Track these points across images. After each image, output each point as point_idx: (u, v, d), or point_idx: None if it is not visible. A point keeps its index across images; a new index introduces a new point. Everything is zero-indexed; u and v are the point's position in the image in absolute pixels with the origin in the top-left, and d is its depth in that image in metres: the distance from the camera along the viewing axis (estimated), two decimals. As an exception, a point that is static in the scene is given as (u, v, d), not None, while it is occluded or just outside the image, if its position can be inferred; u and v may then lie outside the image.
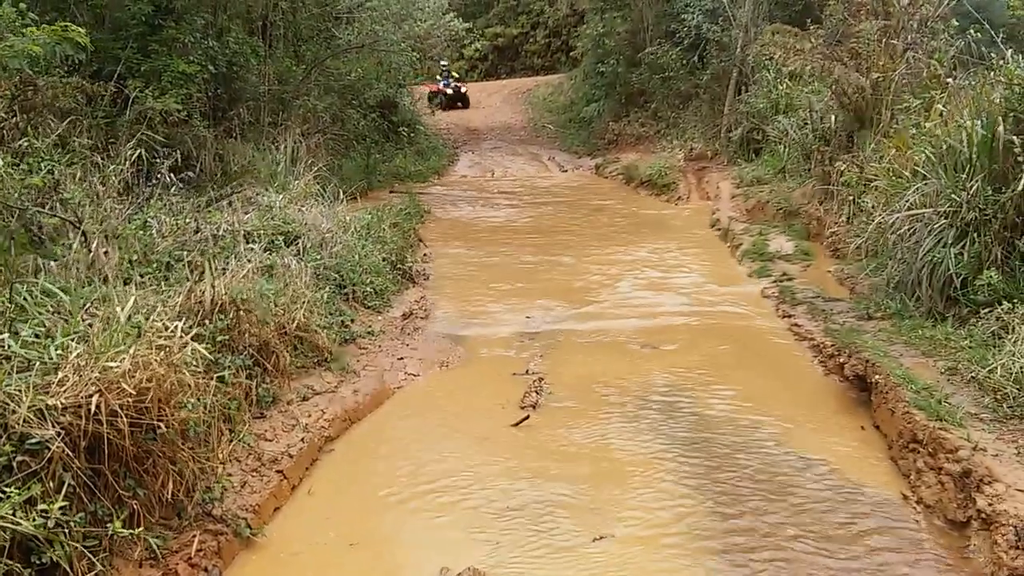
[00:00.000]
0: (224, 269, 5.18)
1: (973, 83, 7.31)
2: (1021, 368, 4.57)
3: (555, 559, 3.78)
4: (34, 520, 2.97)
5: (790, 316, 7.07)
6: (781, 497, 4.27)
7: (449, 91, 25.30)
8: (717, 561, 3.76)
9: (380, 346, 6.27)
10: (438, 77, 25.16)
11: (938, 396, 4.65)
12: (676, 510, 4.15)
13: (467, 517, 4.13)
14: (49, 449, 3.20)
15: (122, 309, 3.87)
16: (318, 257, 6.66)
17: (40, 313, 4.13)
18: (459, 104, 25.83)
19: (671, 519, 4.08)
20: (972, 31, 9.14)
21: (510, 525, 4.04)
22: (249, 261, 5.57)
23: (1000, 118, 5.92)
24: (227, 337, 4.56)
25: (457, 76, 26.48)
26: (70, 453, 3.24)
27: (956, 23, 9.53)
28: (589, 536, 3.91)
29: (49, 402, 3.32)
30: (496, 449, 4.81)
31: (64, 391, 3.39)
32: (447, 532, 4.01)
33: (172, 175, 7.10)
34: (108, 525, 3.22)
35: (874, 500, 4.21)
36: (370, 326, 6.54)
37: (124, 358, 3.53)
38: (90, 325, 3.90)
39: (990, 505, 3.72)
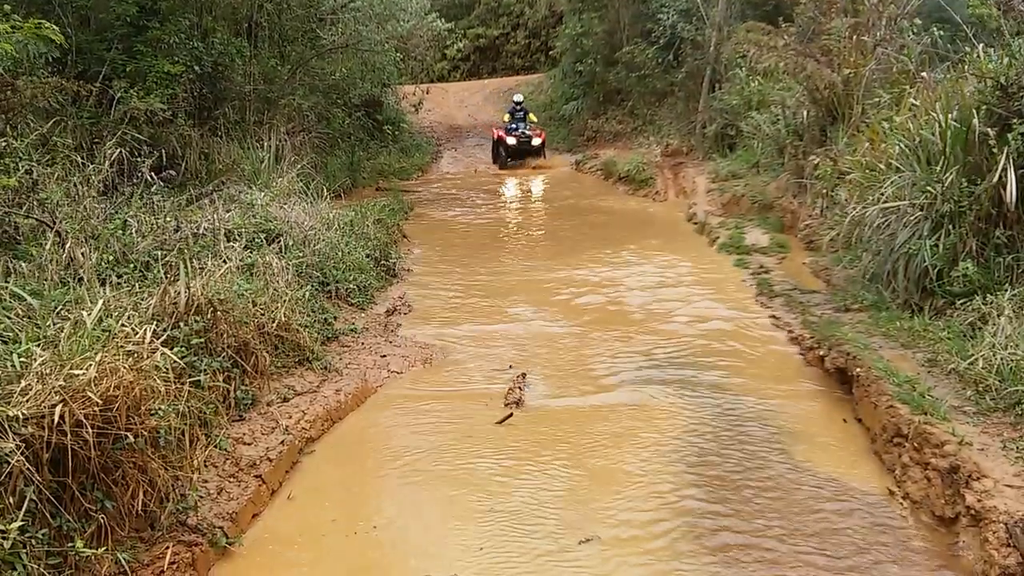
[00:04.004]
0: (202, 268, 4.85)
1: (943, 78, 7.12)
2: (1002, 360, 4.35)
3: (540, 563, 3.50)
4: (-9, 541, 2.67)
5: (768, 307, 6.85)
6: (767, 493, 4.02)
7: (511, 140, 16.88)
8: (705, 561, 3.51)
9: (363, 343, 5.96)
10: (506, 119, 17.67)
11: (921, 389, 4.42)
12: (662, 509, 3.89)
13: (451, 520, 3.85)
14: (9, 463, 2.89)
15: (89, 313, 3.54)
16: (300, 254, 6.34)
17: (8, 317, 3.81)
18: (528, 158, 17.10)
19: (657, 519, 3.82)
20: (935, 29, 8.99)
21: (494, 528, 3.76)
22: (227, 260, 5.24)
23: (974, 110, 5.70)
24: (203, 339, 4.24)
25: (535, 120, 17.96)
26: (31, 467, 2.93)
27: (919, 21, 9.37)
28: (575, 538, 3.65)
29: (10, 412, 3.00)
30: (480, 448, 4.53)
31: (26, 401, 3.08)
32: (430, 537, 3.73)
33: (153, 174, 6.74)
34: (72, 543, 2.92)
35: (860, 496, 3.98)
36: (353, 323, 6.22)
37: (90, 365, 3.22)
38: (61, 329, 3.59)
39: (979, 501, 3.48)
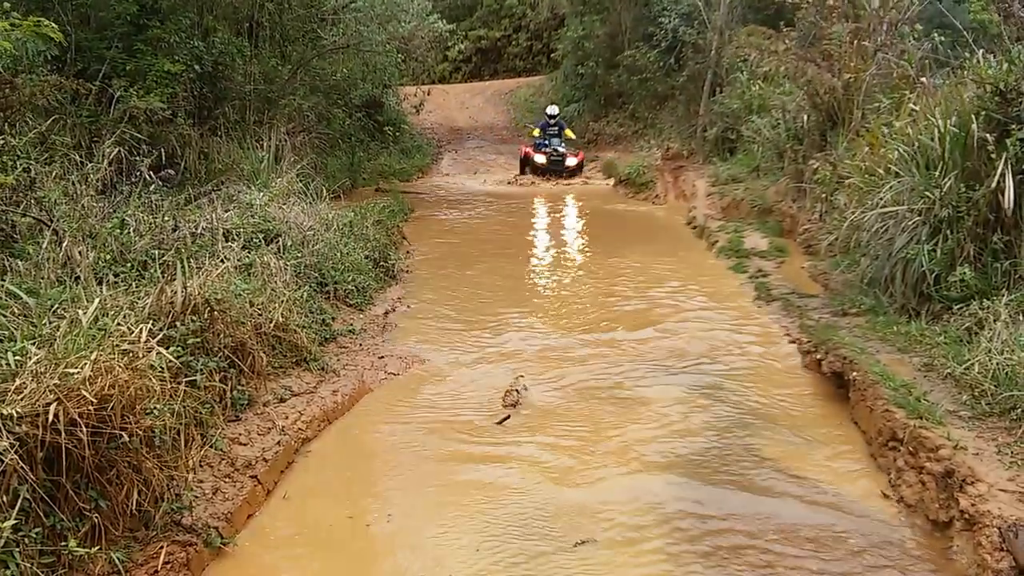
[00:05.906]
0: (199, 268, 4.86)
1: (943, 83, 7.13)
2: (998, 365, 4.36)
3: (535, 566, 3.51)
4: (-17, 540, 2.67)
5: (766, 311, 6.86)
6: (761, 497, 4.03)
7: (540, 158, 15.21)
8: (700, 565, 3.52)
9: (361, 344, 5.96)
10: (535, 133, 15.96)
11: (916, 393, 4.43)
12: (657, 512, 3.90)
13: (446, 522, 3.85)
14: (3, 461, 2.89)
15: (84, 312, 3.55)
16: (299, 255, 6.34)
17: (4, 316, 3.81)
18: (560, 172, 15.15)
19: (653, 522, 3.83)
20: (936, 34, 8.99)
21: (490, 530, 3.76)
22: (224, 260, 5.24)
23: (973, 116, 5.71)
24: (199, 339, 4.24)
25: (572, 135, 16.21)
26: (25, 466, 2.93)
27: (920, 27, 9.38)
28: (570, 541, 3.66)
29: (4, 411, 3.00)
30: (475, 449, 4.54)
31: (21, 399, 3.08)
32: (425, 538, 3.73)
33: (152, 173, 6.75)
34: (65, 542, 2.92)
35: (855, 500, 3.98)
36: (351, 324, 6.23)
37: (85, 364, 3.22)
38: (56, 328, 3.60)
39: (973, 505, 3.49)
